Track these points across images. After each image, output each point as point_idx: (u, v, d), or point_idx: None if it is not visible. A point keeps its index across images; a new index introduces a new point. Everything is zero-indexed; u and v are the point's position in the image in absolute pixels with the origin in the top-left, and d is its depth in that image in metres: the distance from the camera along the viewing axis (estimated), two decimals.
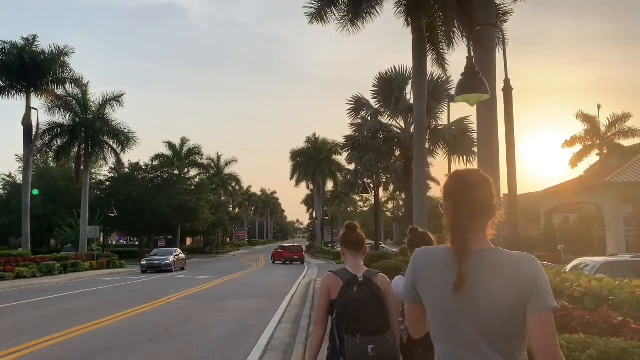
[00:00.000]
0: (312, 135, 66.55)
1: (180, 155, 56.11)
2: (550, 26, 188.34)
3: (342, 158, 64.02)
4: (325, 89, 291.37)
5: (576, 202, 42.00)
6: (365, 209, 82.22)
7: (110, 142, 38.64)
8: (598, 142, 50.12)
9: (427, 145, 22.30)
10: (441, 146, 26.16)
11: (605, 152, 49.63)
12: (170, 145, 55.93)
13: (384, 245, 44.38)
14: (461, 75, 7.82)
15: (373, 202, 75.54)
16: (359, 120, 27.79)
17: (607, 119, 49.06)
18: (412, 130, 27.20)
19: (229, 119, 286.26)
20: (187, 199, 47.76)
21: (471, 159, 25.95)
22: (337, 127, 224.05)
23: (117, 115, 44.91)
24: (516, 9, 16.04)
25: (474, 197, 1.73)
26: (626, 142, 49.09)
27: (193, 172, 60.64)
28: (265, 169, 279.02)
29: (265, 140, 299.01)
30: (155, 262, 33.00)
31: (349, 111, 27.27)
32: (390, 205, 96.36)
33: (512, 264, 1.66)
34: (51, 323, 11.35)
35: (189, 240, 75.09)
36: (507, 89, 8.05)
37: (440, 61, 22.02)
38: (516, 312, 1.61)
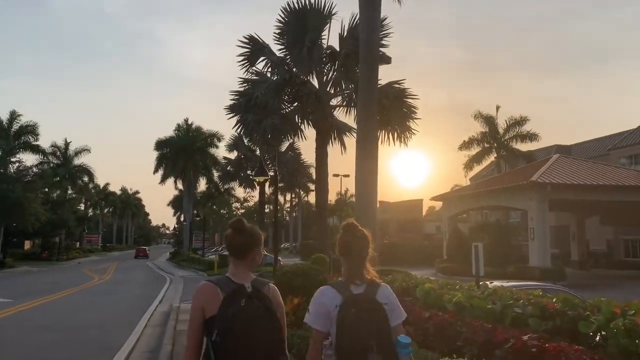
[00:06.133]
0: (183, 122, 55.97)
1: (8, 134, 42.91)
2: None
3: (220, 151, 54.80)
4: (198, 90, 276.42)
5: (492, 205, 37.58)
6: (242, 211, 73.40)
7: None
8: (495, 145, 47.34)
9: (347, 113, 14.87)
10: None
11: (504, 154, 47.17)
12: None
13: (267, 254, 36.25)
14: None
15: (253, 203, 67.24)
16: (255, 77, 19.58)
17: (505, 121, 47.08)
18: (329, 89, 19.59)
19: (90, 113, 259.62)
20: (9, 188, 35.70)
21: (405, 137, 18.96)
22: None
23: None
24: None
25: None
26: (522, 147, 46.84)
27: (30, 158, 47.77)
28: (128, 168, 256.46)
29: (131, 138, 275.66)
30: None
31: (241, 59, 18.88)
32: (266, 210, 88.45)
33: None
34: None
35: (27, 244, 61.44)
36: None
37: None
38: None
